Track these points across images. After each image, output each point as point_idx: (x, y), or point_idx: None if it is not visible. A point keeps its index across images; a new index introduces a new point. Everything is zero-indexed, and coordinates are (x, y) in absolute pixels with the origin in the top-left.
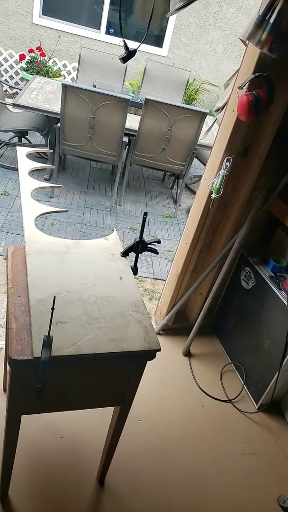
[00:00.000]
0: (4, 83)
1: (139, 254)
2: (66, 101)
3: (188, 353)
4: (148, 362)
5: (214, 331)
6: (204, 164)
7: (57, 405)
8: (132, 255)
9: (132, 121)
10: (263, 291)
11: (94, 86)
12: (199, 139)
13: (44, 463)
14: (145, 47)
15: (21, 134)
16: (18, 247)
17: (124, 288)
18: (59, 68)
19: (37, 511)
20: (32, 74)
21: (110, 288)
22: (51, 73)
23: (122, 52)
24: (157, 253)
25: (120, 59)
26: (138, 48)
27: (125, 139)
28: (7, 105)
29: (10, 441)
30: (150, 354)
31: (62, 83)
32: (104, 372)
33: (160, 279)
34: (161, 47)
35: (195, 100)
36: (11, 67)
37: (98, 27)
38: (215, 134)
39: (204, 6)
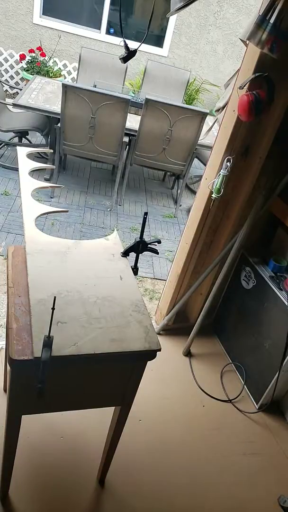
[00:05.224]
0: (5, 83)
1: (140, 254)
2: (67, 101)
3: (188, 353)
4: (148, 362)
5: (214, 331)
6: (205, 164)
7: (57, 405)
8: (133, 255)
9: (133, 121)
10: (263, 291)
11: (95, 86)
12: (199, 139)
13: (45, 463)
14: (145, 47)
15: (22, 134)
16: (18, 247)
17: (125, 288)
18: (59, 68)
19: (38, 511)
20: (33, 74)
21: (110, 288)
22: (51, 73)
23: (122, 52)
24: (157, 253)
25: (120, 59)
26: (138, 48)
27: (126, 139)
28: (7, 105)
29: (10, 441)
30: (150, 354)
31: (62, 83)
32: (104, 372)
33: (161, 279)
34: (162, 47)
35: (196, 100)
36: (12, 67)
37: (98, 27)
38: (215, 134)
39: (204, 6)
